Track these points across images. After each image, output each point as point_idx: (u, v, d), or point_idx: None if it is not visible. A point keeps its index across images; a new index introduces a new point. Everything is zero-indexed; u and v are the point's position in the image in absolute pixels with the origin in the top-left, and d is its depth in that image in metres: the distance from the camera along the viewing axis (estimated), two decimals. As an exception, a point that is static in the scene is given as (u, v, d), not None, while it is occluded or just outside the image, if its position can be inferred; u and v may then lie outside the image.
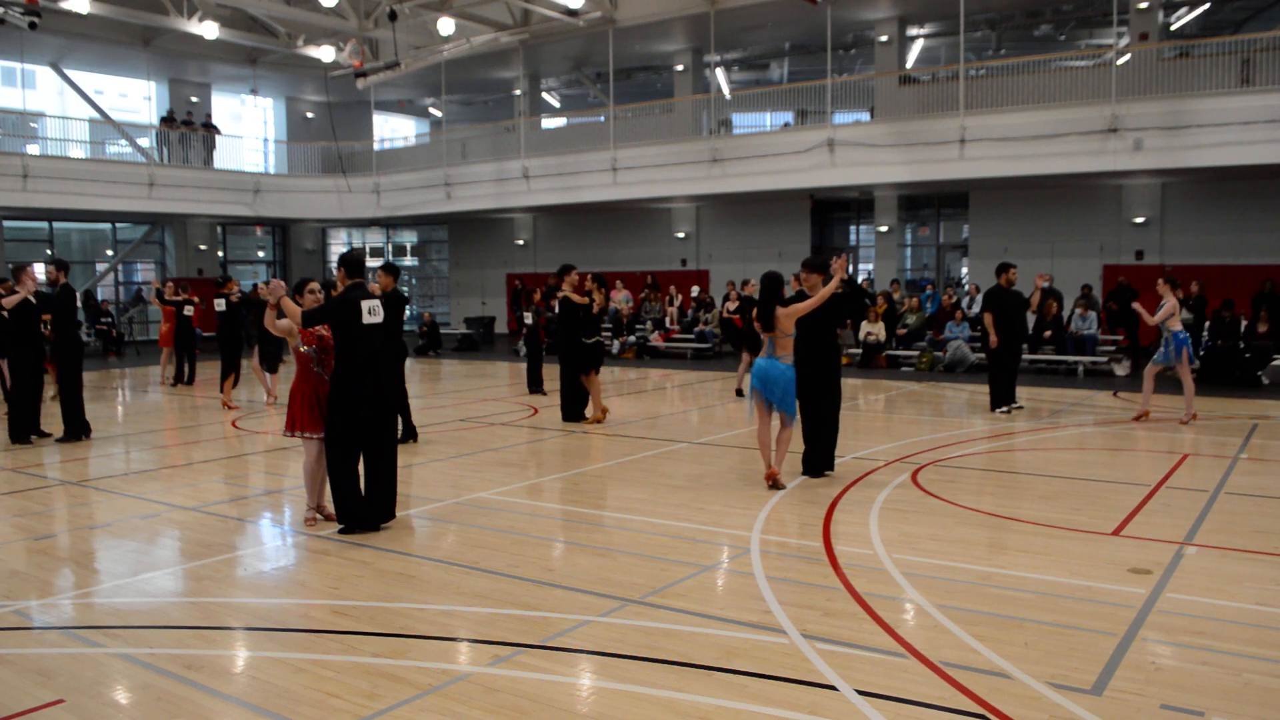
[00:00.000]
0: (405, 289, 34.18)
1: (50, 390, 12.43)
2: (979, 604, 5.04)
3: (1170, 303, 10.98)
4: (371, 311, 6.51)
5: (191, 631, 4.86)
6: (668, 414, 12.76)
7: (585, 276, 12.02)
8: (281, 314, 6.79)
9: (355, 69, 21.82)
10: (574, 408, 11.85)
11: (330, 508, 6.93)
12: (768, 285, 7.73)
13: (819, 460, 8.34)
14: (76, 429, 10.78)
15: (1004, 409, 11.99)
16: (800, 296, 7.93)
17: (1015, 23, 24.40)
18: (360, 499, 6.63)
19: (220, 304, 13.80)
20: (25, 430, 10.61)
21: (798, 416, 7.95)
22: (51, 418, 11.27)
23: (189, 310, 16.95)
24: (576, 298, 11.60)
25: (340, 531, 6.64)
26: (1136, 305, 11.75)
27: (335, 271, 6.72)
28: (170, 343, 17.22)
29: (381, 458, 6.65)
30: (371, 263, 33.78)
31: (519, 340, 22.54)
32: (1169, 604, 5.01)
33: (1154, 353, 11.41)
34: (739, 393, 13.95)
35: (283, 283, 6.79)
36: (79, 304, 11.01)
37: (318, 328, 6.69)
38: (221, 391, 13.76)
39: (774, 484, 7.86)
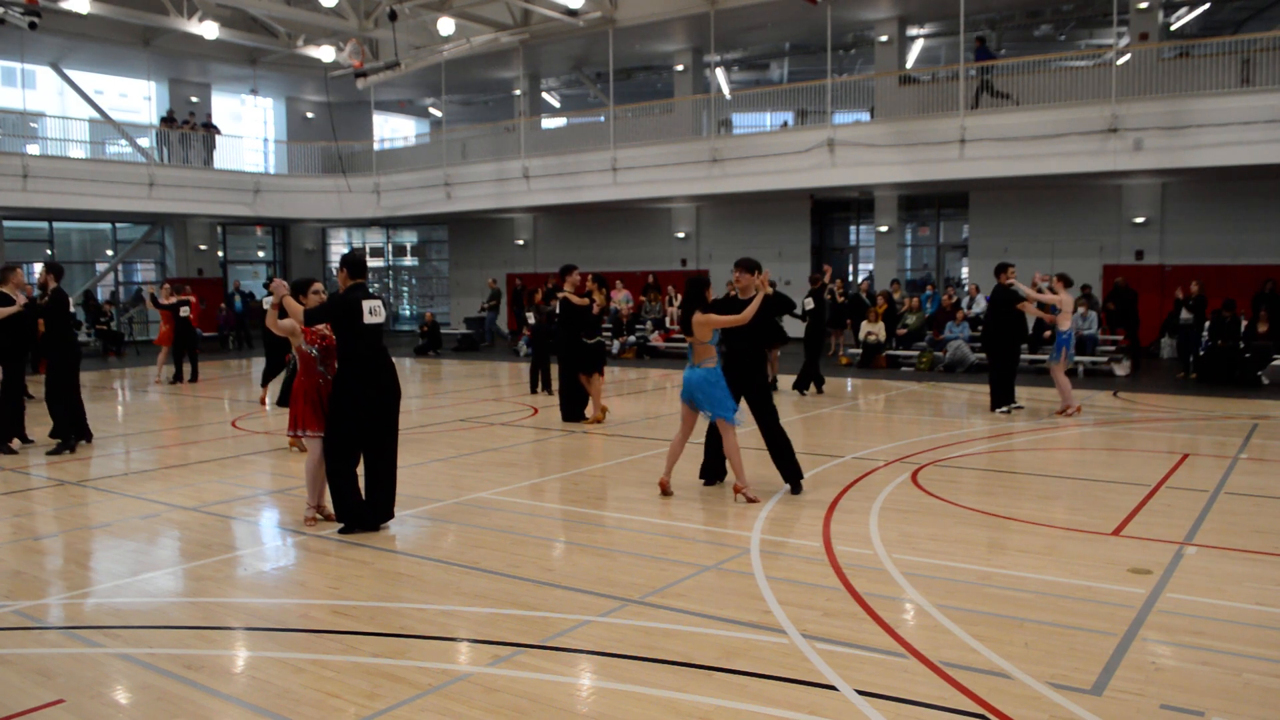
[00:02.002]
0: (405, 289, 34.23)
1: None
2: (979, 604, 5.04)
3: (1061, 299, 11.90)
4: (373, 311, 6.54)
5: (191, 631, 4.86)
6: (668, 414, 12.75)
7: (586, 277, 12.02)
8: (284, 314, 6.80)
9: (355, 69, 21.81)
10: (574, 408, 11.85)
11: (330, 507, 6.94)
12: (690, 290, 7.46)
13: (788, 470, 7.78)
14: (68, 438, 10.20)
15: (1004, 409, 11.99)
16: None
17: (1015, 23, 24.41)
18: (360, 499, 6.65)
19: (268, 303, 13.90)
20: (8, 435, 10.24)
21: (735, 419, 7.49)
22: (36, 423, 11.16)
23: (185, 311, 17.05)
24: (576, 299, 11.61)
25: (340, 531, 6.65)
26: (1032, 293, 12.13)
27: (336, 272, 6.72)
28: (169, 342, 17.31)
29: (381, 458, 6.66)
30: (372, 263, 33.88)
31: (519, 340, 22.58)
32: (1169, 604, 5.01)
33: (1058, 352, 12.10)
34: (772, 384, 14.30)
35: (285, 283, 6.79)
36: (73, 309, 10.77)
37: (321, 327, 6.72)
38: (263, 388, 13.93)
39: (748, 496, 7.43)
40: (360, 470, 6.73)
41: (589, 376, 11.62)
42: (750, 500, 7.40)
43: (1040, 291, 12.33)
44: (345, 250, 33.85)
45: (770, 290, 7.57)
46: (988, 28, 24.43)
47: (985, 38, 21.13)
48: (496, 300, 25.72)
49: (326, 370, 6.78)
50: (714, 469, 8.07)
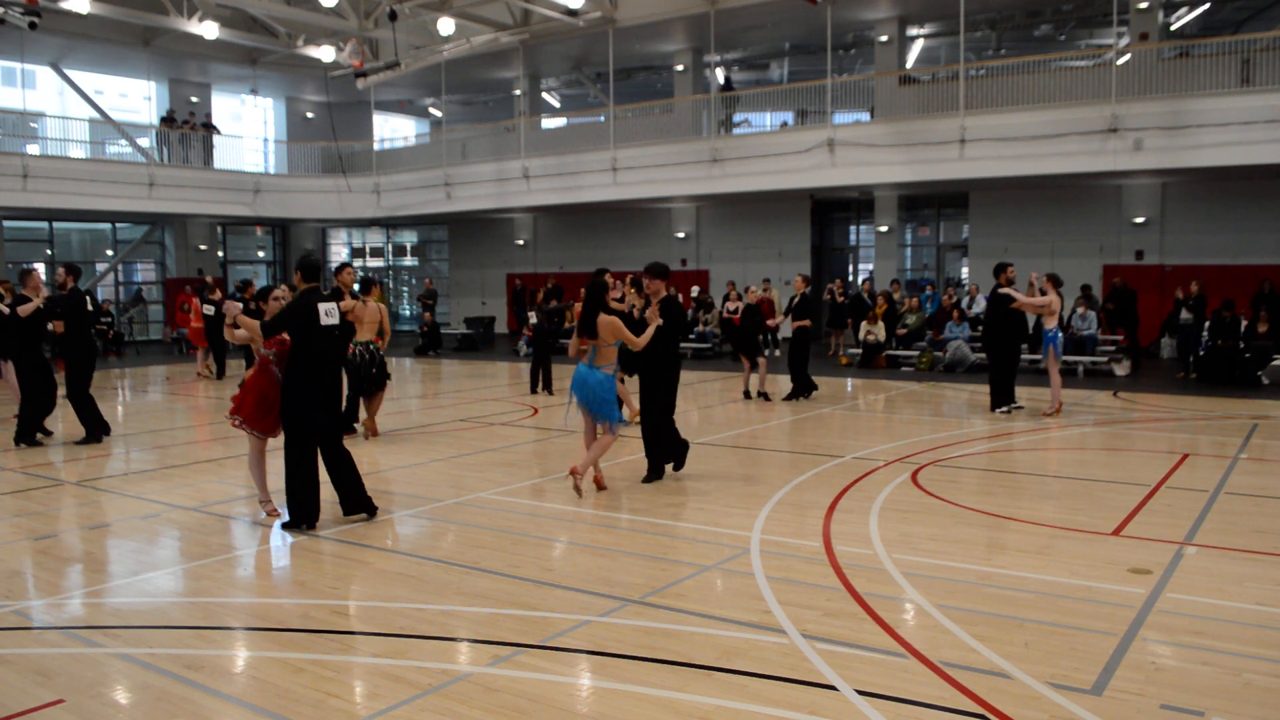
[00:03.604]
0: (405, 289, 34.22)
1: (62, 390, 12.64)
2: (979, 604, 5.04)
3: (1050, 301, 11.97)
4: (328, 314, 6.72)
5: (191, 631, 4.86)
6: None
7: (622, 278, 11.95)
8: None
9: (355, 69, 21.81)
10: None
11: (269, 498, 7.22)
12: (592, 293, 7.55)
13: (667, 463, 8.30)
14: (95, 429, 10.77)
15: (1004, 409, 11.99)
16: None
17: (1015, 23, 24.40)
18: (314, 496, 6.74)
19: (208, 309, 14.08)
20: (32, 431, 10.60)
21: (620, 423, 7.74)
22: (58, 420, 11.25)
23: (210, 310, 17.39)
24: (618, 305, 11.53)
25: (282, 526, 6.79)
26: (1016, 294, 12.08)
27: (294, 275, 7.00)
28: (204, 340, 17.78)
29: (335, 452, 6.79)
30: (372, 262, 33.87)
31: (519, 340, 22.57)
32: (1169, 604, 5.01)
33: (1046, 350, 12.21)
34: (746, 394, 13.86)
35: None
36: (90, 307, 11.21)
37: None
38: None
39: (576, 486, 7.62)
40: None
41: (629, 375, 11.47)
42: (576, 488, 7.56)
43: (1041, 293, 12.30)
44: (345, 250, 33.91)
45: (660, 323, 7.83)
46: (988, 27, 24.45)
47: (730, 75, 23.04)
48: (433, 299, 25.80)
49: (281, 372, 6.98)
50: (677, 454, 8.35)
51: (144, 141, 26.34)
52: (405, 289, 34.22)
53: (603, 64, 25.44)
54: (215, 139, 26.95)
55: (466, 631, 4.80)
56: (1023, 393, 13.18)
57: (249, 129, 31.52)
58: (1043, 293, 12.16)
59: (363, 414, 10.83)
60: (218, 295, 17.71)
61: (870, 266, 24.34)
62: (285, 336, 6.89)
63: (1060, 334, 12.22)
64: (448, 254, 31.89)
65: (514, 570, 5.76)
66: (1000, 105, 18.66)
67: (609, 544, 6.41)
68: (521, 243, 29.14)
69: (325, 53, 22.68)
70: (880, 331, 18.83)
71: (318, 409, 6.64)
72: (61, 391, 12.54)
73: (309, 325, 6.62)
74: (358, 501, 6.91)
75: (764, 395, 13.72)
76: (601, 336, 7.45)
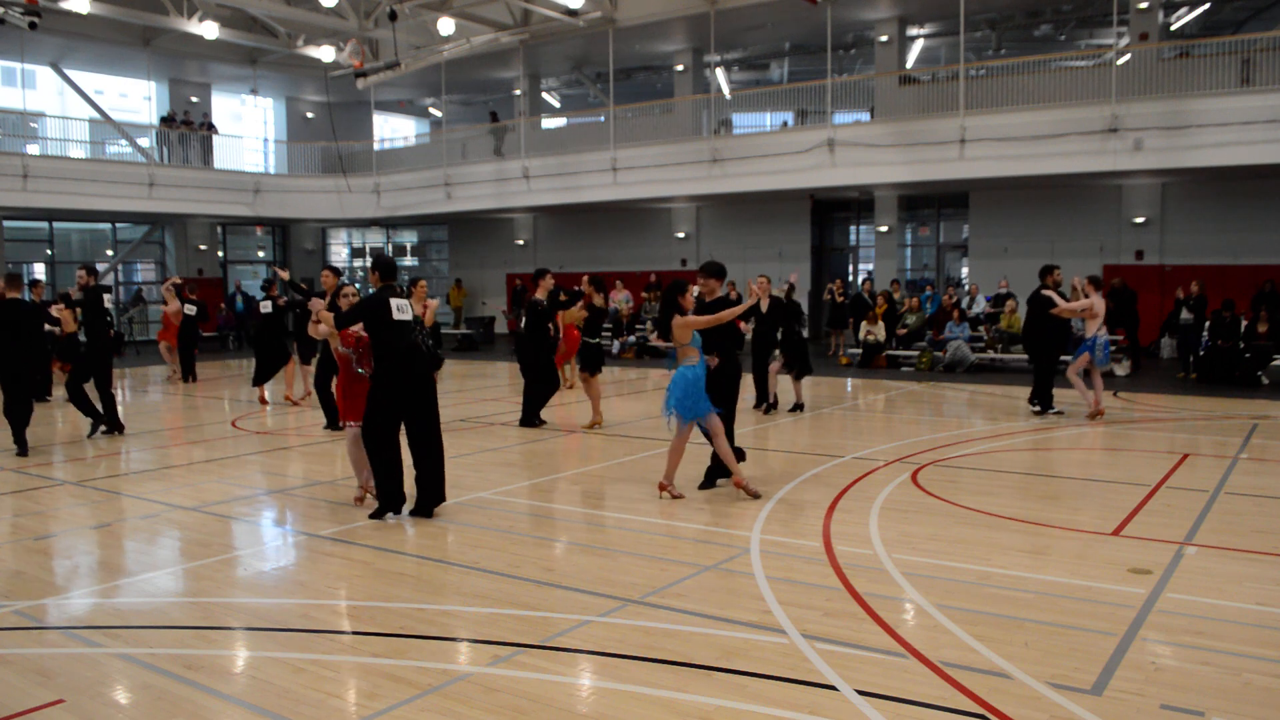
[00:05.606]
0: (401, 289, 34.24)
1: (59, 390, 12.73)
2: (979, 604, 5.04)
3: (1091, 304, 11.53)
4: (400, 309, 7.01)
5: (191, 631, 4.86)
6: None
7: (550, 278, 11.73)
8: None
9: (355, 69, 21.81)
10: (530, 413, 11.54)
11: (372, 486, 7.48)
12: (667, 294, 7.53)
13: (714, 471, 8.00)
14: (97, 425, 10.84)
15: (1048, 409, 11.76)
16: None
17: (1015, 23, 24.41)
18: (398, 485, 7.03)
19: (266, 306, 13.95)
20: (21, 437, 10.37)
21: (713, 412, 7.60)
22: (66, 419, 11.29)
23: (191, 310, 17.25)
24: (582, 305, 11.50)
25: (370, 516, 7.02)
26: (1058, 298, 11.79)
27: (369, 274, 7.37)
28: (174, 339, 17.54)
29: (426, 445, 7.04)
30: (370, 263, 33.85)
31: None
32: (1169, 604, 5.01)
33: (1090, 354, 11.63)
34: (797, 407, 12.56)
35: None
36: (107, 305, 11.32)
37: (354, 329, 7.19)
38: (258, 387, 13.93)
39: (672, 494, 7.59)
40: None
41: (591, 378, 11.52)
42: (753, 495, 7.48)
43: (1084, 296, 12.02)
44: (345, 251, 33.89)
45: (761, 296, 7.59)
46: (988, 28, 24.45)
47: (496, 112, 25.28)
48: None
49: (363, 369, 7.38)
50: (713, 471, 8.07)
51: (144, 141, 26.33)
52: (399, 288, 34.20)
53: (603, 64, 25.43)
54: (215, 139, 26.95)
55: (466, 631, 4.80)
56: (1021, 393, 13.16)
57: (249, 129, 31.52)
58: (1085, 296, 11.85)
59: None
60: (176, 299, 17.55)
61: (870, 266, 24.33)
62: (362, 334, 7.20)
63: (1101, 338, 11.51)
64: (448, 254, 31.88)
65: (514, 570, 5.76)
66: (1000, 105, 18.66)
67: (609, 544, 6.41)
68: (521, 243, 29.13)
69: (325, 53, 22.68)
70: (880, 331, 18.84)
71: (399, 398, 6.88)
72: (60, 393, 12.62)
73: (382, 319, 6.90)
74: (433, 496, 7.09)
75: (774, 404, 12.52)
76: (676, 337, 7.49)
